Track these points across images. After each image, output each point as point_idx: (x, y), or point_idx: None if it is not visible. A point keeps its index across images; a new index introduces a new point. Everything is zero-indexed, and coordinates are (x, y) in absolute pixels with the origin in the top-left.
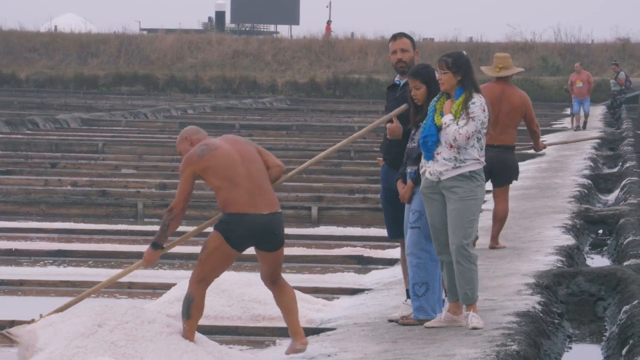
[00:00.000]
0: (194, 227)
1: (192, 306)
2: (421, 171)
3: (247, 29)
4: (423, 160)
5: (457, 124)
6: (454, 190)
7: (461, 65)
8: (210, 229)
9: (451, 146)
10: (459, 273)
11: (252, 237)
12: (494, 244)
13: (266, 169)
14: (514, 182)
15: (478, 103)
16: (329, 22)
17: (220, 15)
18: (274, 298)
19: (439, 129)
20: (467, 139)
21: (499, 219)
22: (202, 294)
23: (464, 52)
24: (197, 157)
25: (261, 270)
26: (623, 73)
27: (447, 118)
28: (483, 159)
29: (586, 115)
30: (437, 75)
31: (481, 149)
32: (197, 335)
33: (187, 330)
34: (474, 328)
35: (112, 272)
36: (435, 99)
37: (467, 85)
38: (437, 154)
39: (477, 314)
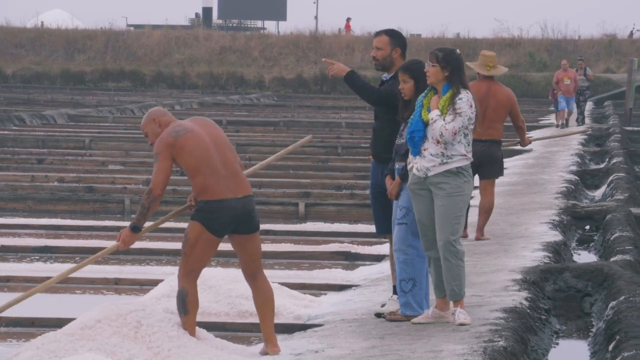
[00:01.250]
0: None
1: (187, 301)
2: (408, 167)
3: (235, 25)
4: (410, 156)
5: (444, 120)
6: (441, 187)
7: (450, 61)
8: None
9: (438, 142)
10: (446, 269)
11: (232, 221)
12: (479, 235)
13: None
14: (501, 177)
15: (465, 99)
16: (348, 20)
17: (207, 11)
18: (253, 297)
19: (426, 124)
20: (454, 134)
21: (485, 210)
22: (194, 285)
23: (457, 50)
24: (172, 139)
25: (240, 263)
26: (588, 69)
27: (434, 114)
28: (470, 155)
29: (569, 113)
30: (425, 67)
31: (468, 145)
32: (199, 330)
33: (187, 326)
34: (461, 324)
35: (99, 268)
36: (422, 94)
37: (454, 81)
38: (424, 149)
39: (464, 310)
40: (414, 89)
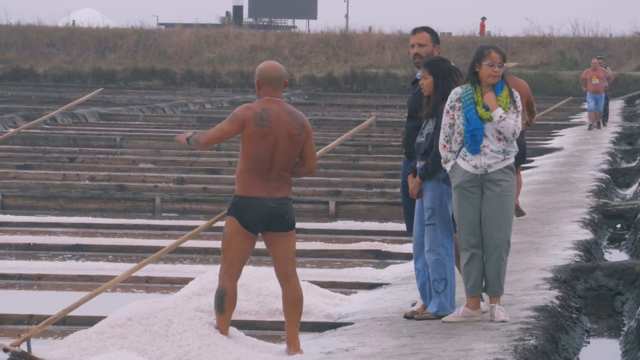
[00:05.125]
0: (206, 222)
1: (225, 299)
2: (449, 165)
3: (265, 23)
4: (468, 155)
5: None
6: (500, 184)
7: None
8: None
9: (499, 139)
10: (500, 267)
11: (264, 219)
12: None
13: (299, 162)
14: (531, 176)
15: (518, 96)
16: (483, 19)
17: (237, 9)
18: (282, 298)
19: (484, 122)
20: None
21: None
22: (233, 286)
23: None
24: (253, 122)
25: (274, 263)
26: (608, 68)
27: (500, 112)
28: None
29: (600, 113)
30: (496, 67)
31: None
32: (232, 329)
33: (221, 325)
34: (502, 321)
35: (129, 267)
36: (467, 91)
37: (504, 79)
38: (484, 146)
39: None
40: (433, 86)
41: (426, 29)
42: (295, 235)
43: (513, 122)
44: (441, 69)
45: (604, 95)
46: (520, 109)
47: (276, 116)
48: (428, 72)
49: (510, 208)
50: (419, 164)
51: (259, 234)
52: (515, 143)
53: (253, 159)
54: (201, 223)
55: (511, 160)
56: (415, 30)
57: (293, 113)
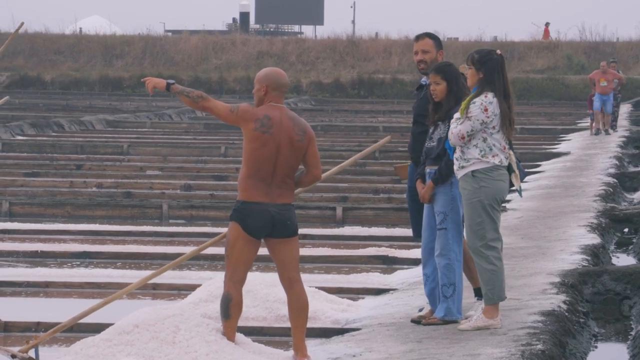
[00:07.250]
0: (217, 234)
1: (231, 305)
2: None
3: (272, 29)
4: None
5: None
6: (462, 192)
7: (484, 63)
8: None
9: (459, 146)
10: (479, 273)
11: (266, 224)
12: None
13: (304, 170)
14: (539, 181)
15: (479, 102)
16: (547, 25)
17: (244, 16)
18: (287, 305)
19: None
20: (461, 138)
21: None
22: (239, 291)
23: (498, 51)
24: (254, 126)
25: (278, 269)
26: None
27: (455, 117)
28: (492, 159)
29: (608, 115)
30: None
31: (490, 149)
32: (237, 335)
33: (227, 331)
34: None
35: (137, 274)
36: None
37: (483, 84)
38: (455, 153)
39: (485, 317)
40: (446, 91)
41: (429, 35)
42: (298, 242)
43: (452, 127)
44: (453, 73)
45: (612, 96)
46: (470, 115)
47: (278, 123)
48: (441, 78)
49: (472, 216)
50: (429, 169)
51: (262, 240)
52: (473, 150)
53: (256, 166)
54: (208, 230)
55: (469, 169)
56: (418, 37)
57: (295, 119)
